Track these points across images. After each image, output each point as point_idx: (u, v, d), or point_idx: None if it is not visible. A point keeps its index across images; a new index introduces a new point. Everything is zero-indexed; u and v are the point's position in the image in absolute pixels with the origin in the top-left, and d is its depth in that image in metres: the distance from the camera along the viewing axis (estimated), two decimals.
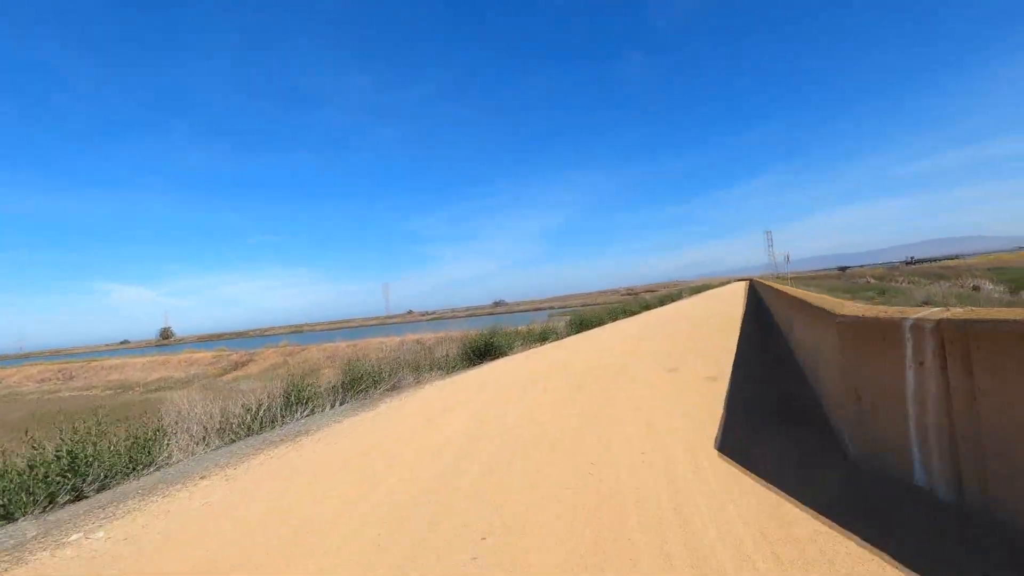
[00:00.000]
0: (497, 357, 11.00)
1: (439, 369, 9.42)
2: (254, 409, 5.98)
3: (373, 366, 7.92)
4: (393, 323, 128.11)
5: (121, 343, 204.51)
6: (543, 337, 14.17)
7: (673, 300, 39.63)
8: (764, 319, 15.00)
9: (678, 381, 6.80)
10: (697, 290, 64.95)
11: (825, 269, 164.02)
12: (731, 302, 28.19)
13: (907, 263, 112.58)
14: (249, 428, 5.82)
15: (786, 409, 5.23)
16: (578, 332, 16.55)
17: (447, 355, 10.11)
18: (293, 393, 6.49)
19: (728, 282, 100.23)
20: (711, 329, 13.39)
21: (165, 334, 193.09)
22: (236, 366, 51.91)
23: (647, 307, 30.17)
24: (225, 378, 45.36)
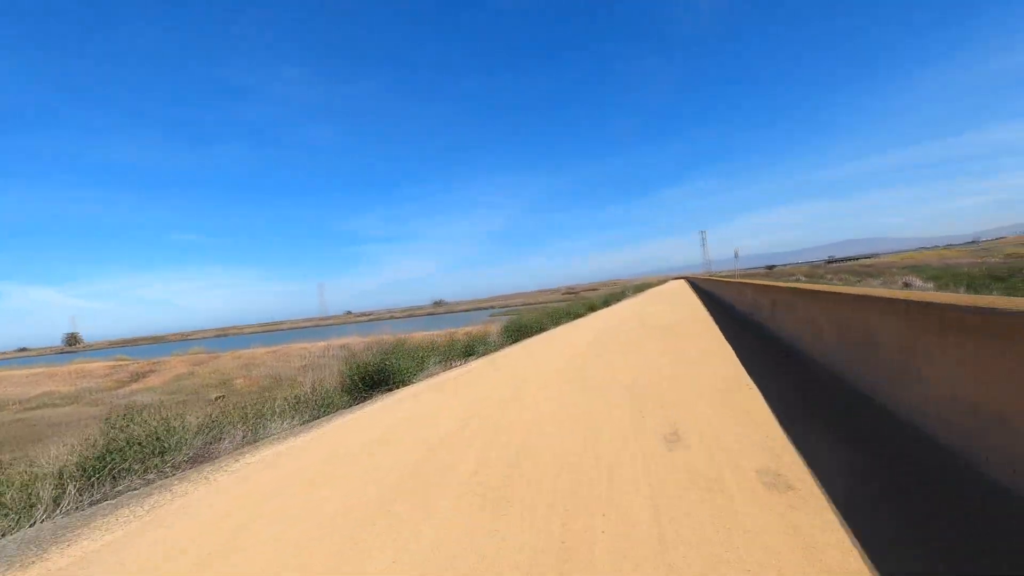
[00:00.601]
0: (396, 387, 7.79)
1: (303, 412, 6.45)
2: None
3: (158, 428, 4.77)
4: (328, 325, 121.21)
5: (19, 350, 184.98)
6: (469, 351, 11.31)
7: (618, 300, 38.19)
8: (754, 324, 12.54)
9: (700, 485, 3.27)
10: (639, 288, 64.67)
11: (754, 268, 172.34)
12: (683, 301, 26.82)
13: (828, 262, 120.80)
14: None
15: None
16: (516, 341, 13.94)
17: (318, 387, 7.06)
18: None
19: (666, 280, 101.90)
20: (684, 339, 10.50)
21: (71, 340, 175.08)
22: (136, 377, 45.82)
23: (592, 308, 28.22)
24: (122, 391, 39.65)
